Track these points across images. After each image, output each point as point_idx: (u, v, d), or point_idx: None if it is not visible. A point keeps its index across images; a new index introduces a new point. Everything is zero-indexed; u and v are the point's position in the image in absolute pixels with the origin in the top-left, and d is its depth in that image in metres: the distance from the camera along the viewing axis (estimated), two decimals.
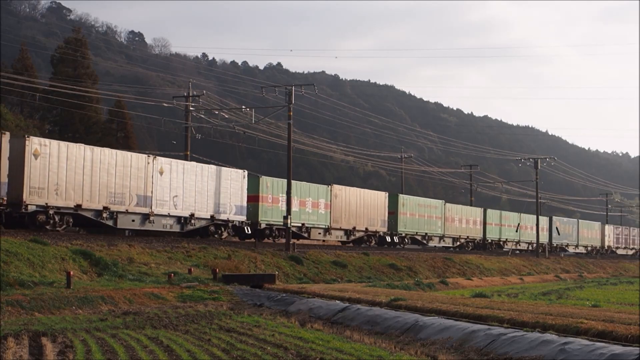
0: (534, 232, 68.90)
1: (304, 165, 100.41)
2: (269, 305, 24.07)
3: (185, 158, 48.30)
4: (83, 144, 33.17)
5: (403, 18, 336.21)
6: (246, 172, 41.58)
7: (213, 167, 39.68)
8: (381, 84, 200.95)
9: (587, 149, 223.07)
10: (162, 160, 36.43)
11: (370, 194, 51.79)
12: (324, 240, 48.25)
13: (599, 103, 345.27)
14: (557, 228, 77.08)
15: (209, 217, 38.48)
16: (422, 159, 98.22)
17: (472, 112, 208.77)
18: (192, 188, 37.36)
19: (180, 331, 17.11)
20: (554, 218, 77.57)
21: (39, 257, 25.72)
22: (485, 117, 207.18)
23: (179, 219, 36.80)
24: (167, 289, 25.56)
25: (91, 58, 76.05)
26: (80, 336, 15.68)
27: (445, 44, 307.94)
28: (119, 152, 34.96)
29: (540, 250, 68.51)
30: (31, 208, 30.00)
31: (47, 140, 31.54)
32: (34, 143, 30.09)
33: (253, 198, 41.36)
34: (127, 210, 33.96)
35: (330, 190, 47.08)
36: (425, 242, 57.42)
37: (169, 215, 36.21)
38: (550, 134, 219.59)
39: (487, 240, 66.17)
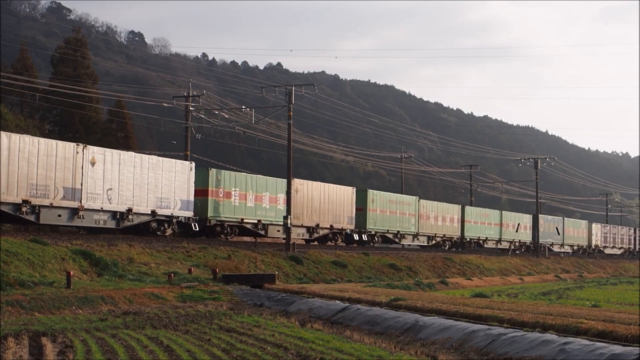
0: (515, 230, 67.82)
1: (304, 165, 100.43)
2: (269, 305, 24.08)
3: (185, 158, 48.23)
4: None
5: (403, 18, 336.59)
6: (194, 163, 38.75)
7: (155, 157, 36.90)
8: (381, 84, 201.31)
9: (587, 149, 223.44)
10: (94, 150, 32.99)
11: (335, 188, 48.43)
12: (283, 239, 43.91)
13: (599, 103, 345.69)
14: (557, 228, 76.78)
15: (150, 212, 35.36)
16: (422, 159, 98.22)
17: (472, 112, 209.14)
18: (130, 180, 34.18)
19: (180, 331, 17.11)
20: (539, 216, 73.88)
21: (39, 257, 25.73)
22: (485, 117, 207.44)
23: (114, 214, 33.57)
24: (167, 289, 25.56)
25: (91, 58, 76.02)
26: (80, 336, 15.68)
27: (445, 44, 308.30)
28: (42, 139, 31.74)
29: (522, 250, 68.03)
30: None
31: None
32: None
33: (201, 192, 38.32)
34: (51, 204, 30.71)
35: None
36: (397, 240, 54.09)
37: (102, 210, 32.92)
38: (550, 134, 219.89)
39: (466, 239, 62.83)
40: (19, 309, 19.50)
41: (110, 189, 33.27)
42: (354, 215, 49.05)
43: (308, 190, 45.47)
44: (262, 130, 57.52)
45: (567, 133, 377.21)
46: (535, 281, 48.44)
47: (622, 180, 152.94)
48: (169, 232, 36.93)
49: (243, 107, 52.16)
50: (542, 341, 14.33)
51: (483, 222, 65.59)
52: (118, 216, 33.84)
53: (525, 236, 71.61)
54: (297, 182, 44.30)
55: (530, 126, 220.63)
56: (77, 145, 32.52)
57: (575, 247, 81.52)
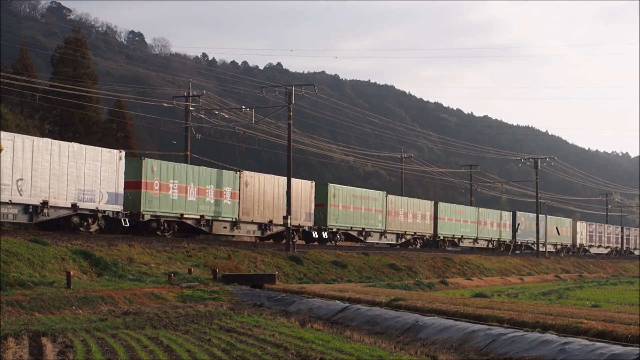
0: (494, 228, 66.12)
1: (304, 165, 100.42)
2: (269, 305, 24.09)
3: (185, 158, 48.26)
4: None
5: (403, 18, 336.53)
6: (123, 152, 35.20)
7: (76, 145, 32.93)
8: (381, 84, 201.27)
9: (587, 149, 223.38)
10: (1, 135, 29.21)
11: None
12: (233, 236, 41.92)
13: (599, 103, 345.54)
14: (557, 228, 76.61)
15: (70, 205, 31.62)
16: (422, 159, 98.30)
17: (472, 112, 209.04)
18: (46, 170, 30.48)
19: (180, 331, 17.12)
20: (518, 213, 71.31)
21: (39, 257, 25.74)
22: (485, 117, 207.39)
23: (26, 207, 29.80)
24: (167, 289, 25.58)
25: (91, 58, 76.02)
26: (80, 336, 15.68)
27: (445, 44, 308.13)
28: None
29: (502, 249, 67.04)
30: None
31: None
32: None
33: (134, 184, 34.72)
34: None
35: (239, 178, 40.68)
36: (362, 238, 50.39)
37: (10, 203, 29.09)
38: (550, 134, 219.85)
39: (439, 237, 59.00)
40: (19, 309, 19.51)
41: (21, 179, 29.54)
42: (312, 211, 45.45)
43: (259, 183, 42.12)
44: (262, 130, 57.55)
45: (567, 133, 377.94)
46: (535, 281, 48.47)
47: (622, 180, 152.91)
48: (94, 227, 33.32)
49: (243, 107, 52.23)
50: (542, 341, 14.34)
51: (458, 220, 61.78)
52: (31, 210, 30.07)
53: (505, 234, 68.51)
54: (246, 175, 41.52)
55: (530, 126, 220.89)
56: None
57: (559, 246, 77.52)
